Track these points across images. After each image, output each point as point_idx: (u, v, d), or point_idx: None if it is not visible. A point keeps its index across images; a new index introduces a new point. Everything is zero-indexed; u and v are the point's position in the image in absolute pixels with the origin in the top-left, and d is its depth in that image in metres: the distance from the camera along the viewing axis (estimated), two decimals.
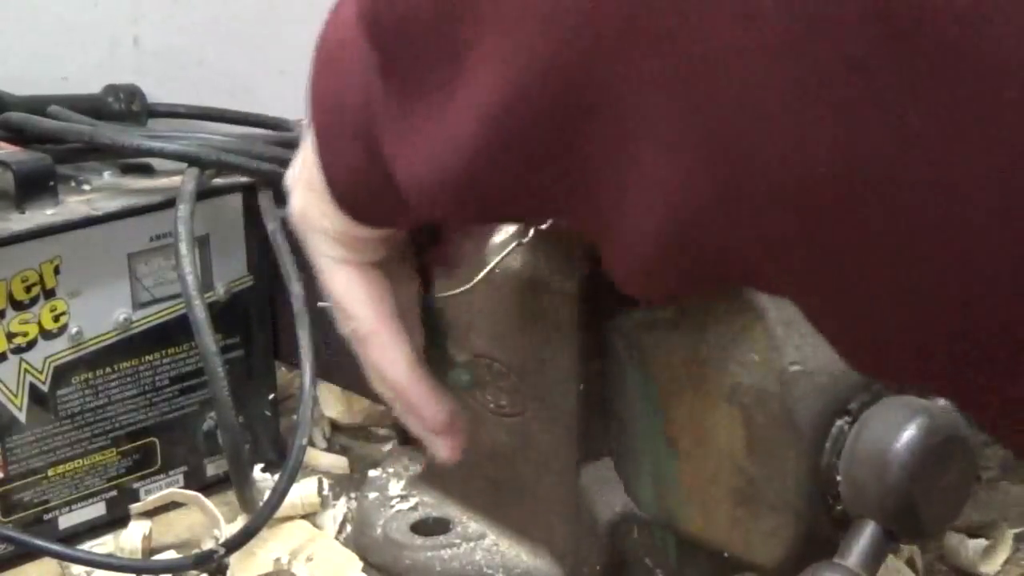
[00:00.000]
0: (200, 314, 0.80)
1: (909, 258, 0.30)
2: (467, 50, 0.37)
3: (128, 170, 0.91)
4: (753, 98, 0.29)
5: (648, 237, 0.35)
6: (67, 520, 0.85)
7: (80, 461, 0.84)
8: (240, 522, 0.83)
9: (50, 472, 0.83)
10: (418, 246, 0.60)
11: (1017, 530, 0.82)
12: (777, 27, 0.29)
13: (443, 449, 0.60)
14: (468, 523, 0.79)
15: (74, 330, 0.82)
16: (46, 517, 0.84)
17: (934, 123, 0.28)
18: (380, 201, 0.49)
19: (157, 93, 1.10)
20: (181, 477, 0.89)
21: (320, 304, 0.74)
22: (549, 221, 0.63)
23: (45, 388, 0.82)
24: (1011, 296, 0.29)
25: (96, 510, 0.86)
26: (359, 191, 0.51)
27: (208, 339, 0.80)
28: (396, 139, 0.43)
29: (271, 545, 0.82)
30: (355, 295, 0.56)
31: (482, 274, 0.73)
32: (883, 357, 0.34)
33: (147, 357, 0.86)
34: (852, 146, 0.29)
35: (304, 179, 0.54)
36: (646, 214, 0.34)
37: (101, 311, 0.83)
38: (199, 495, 0.85)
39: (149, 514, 0.85)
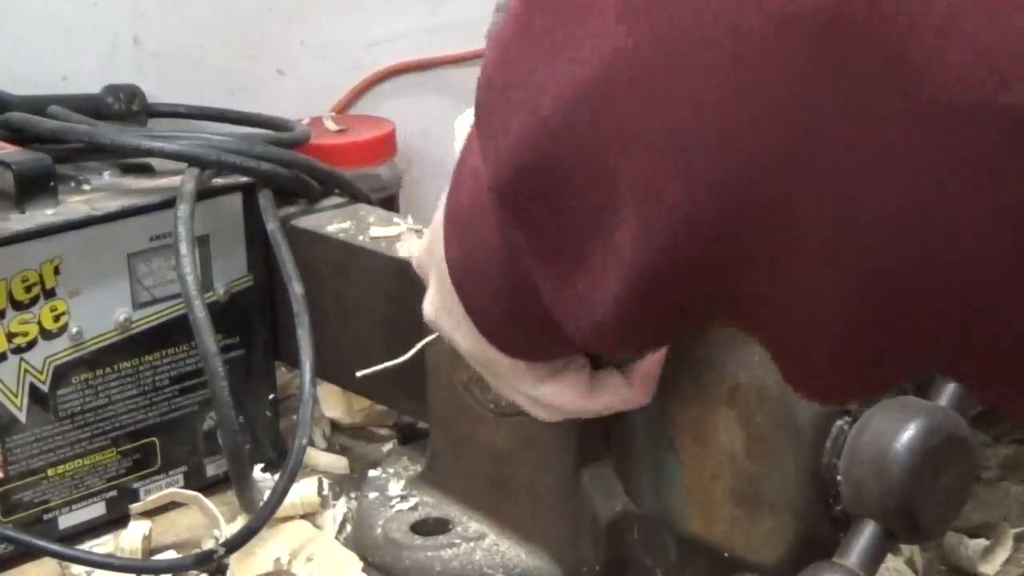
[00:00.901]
0: (200, 314, 0.80)
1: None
2: (609, 212, 0.38)
3: (128, 170, 0.91)
4: (896, 221, 0.32)
5: (817, 347, 0.37)
6: (67, 520, 0.85)
7: (80, 461, 0.84)
8: (240, 522, 0.83)
9: (50, 472, 0.83)
10: None
11: (1017, 530, 0.82)
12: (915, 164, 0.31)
13: None
14: (468, 523, 0.79)
15: (74, 330, 0.82)
16: (46, 517, 0.84)
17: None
18: (541, 342, 0.52)
19: (157, 93, 1.10)
20: (181, 477, 0.89)
21: (359, 374, 0.75)
22: None
23: (45, 388, 0.82)
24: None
25: (96, 510, 0.86)
26: (519, 339, 0.53)
27: (208, 339, 0.80)
28: (551, 289, 0.44)
29: (271, 545, 0.82)
30: (561, 402, 0.59)
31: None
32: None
33: (147, 357, 0.86)
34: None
35: (463, 324, 0.55)
36: (810, 327, 0.36)
37: (101, 311, 0.83)
38: (199, 495, 0.85)
39: (149, 514, 0.85)
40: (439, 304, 0.57)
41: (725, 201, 0.34)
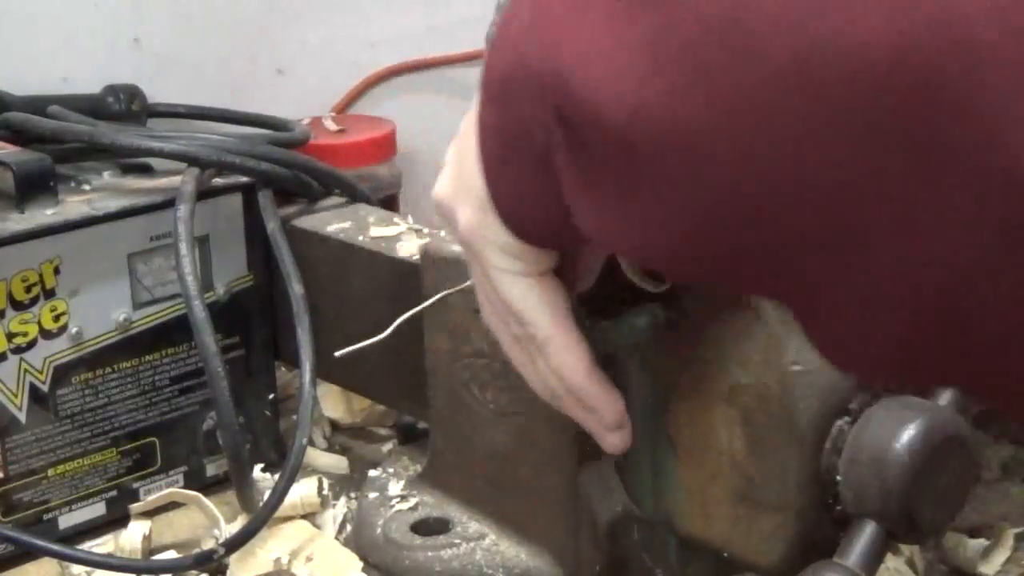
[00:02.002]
0: (200, 314, 0.80)
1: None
2: (653, 161, 0.39)
3: (128, 170, 0.91)
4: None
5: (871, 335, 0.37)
6: (67, 520, 0.85)
7: (80, 461, 0.84)
8: (240, 522, 0.83)
9: (50, 472, 0.83)
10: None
11: (1017, 530, 0.82)
12: None
13: (616, 442, 0.62)
14: (468, 523, 0.79)
15: (74, 330, 0.82)
16: (46, 517, 0.84)
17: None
18: (554, 229, 0.51)
19: (157, 93, 1.10)
20: (181, 477, 0.89)
21: (337, 354, 0.75)
22: None
23: (45, 388, 0.82)
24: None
25: (96, 510, 0.86)
26: (533, 219, 0.52)
27: (208, 339, 0.80)
28: (579, 194, 0.45)
29: (271, 545, 0.82)
30: (533, 303, 0.57)
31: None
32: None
33: (147, 357, 0.86)
34: None
35: (471, 196, 0.55)
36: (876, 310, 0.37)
37: (101, 311, 0.83)
38: (199, 495, 0.85)
39: (149, 514, 0.85)
40: (452, 185, 0.57)
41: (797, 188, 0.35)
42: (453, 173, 0.57)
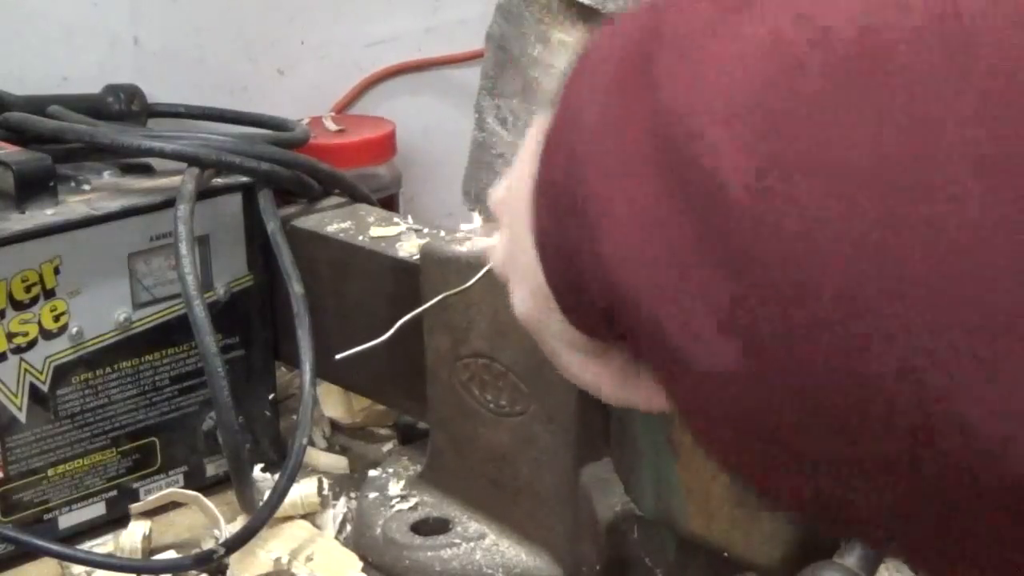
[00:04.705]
0: (200, 314, 0.80)
1: None
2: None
3: (128, 170, 0.91)
4: None
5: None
6: (67, 520, 0.85)
7: (80, 461, 0.84)
8: (240, 522, 0.83)
9: (50, 472, 0.83)
10: None
11: None
12: None
13: None
14: (468, 523, 0.79)
15: (74, 330, 0.82)
16: (46, 517, 0.84)
17: None
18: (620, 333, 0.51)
19: (157, 93, 1.10)
20: (181, 477, 0.89)
21: (338, 356, 0.75)
22: None
23: (45, 388, 0.82)
24: None
25: (96, 510, 0.86)
26: (596, 327, 0.51)
27: (208, 339, 0.80)
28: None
29: (271, 545, 0.82)
30: (592, 379, 0.57)
31: (477, 276, 0.73)
32: None
33: (147, 357, 0.86)
34: None
35: (528, 281, 0.53)
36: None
37: (101, 311, 0.83)
38: (199, 495, 0.85)
39: (149, 514, 0.85)
40: (506, 255, 0.56)
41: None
42: (507, 240, 0.56)
